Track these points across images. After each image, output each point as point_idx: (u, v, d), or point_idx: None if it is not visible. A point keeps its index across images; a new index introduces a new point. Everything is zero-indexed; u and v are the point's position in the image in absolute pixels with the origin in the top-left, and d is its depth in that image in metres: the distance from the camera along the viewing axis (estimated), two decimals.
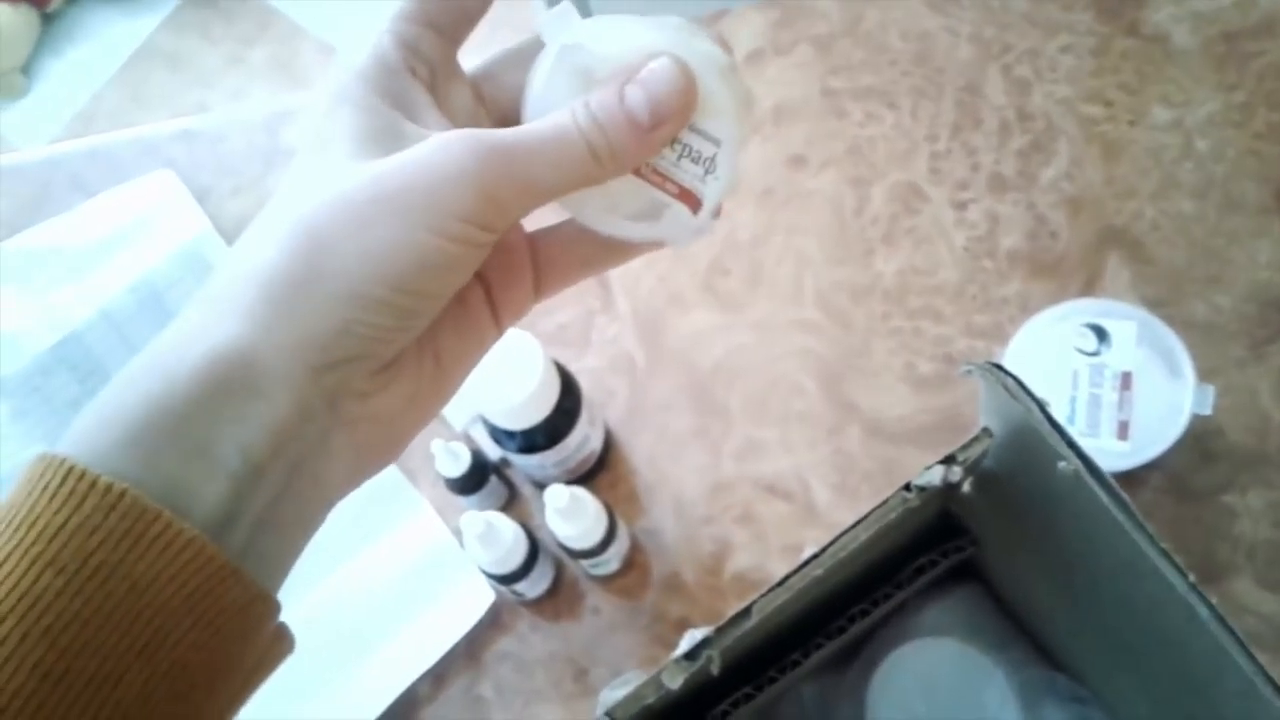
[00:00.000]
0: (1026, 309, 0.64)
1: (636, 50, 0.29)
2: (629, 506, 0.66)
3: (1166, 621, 0.37)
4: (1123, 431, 0.57)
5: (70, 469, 0.24)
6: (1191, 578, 0.35)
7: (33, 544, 0.24)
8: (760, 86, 0.74)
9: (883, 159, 0.70)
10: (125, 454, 0.25)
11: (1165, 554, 0.35)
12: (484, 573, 0.61)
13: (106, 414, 0.26)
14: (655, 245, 0.32)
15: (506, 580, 0.61)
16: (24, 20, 2.02)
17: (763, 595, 0.38)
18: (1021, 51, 0.71)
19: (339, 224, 0.27)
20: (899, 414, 0.64)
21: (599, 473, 0.66)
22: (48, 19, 2.08)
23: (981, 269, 0.67)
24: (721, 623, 0.38)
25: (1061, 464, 0.36)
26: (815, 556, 0.38)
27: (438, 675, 0.63)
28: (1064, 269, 0.66)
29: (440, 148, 0.27)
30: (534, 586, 0.63)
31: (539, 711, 0.62)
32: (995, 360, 0.61)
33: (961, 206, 0.68)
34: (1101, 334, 0.59)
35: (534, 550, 0.61)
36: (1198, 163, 0.67)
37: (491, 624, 0.64)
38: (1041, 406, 0.37)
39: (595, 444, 0.65)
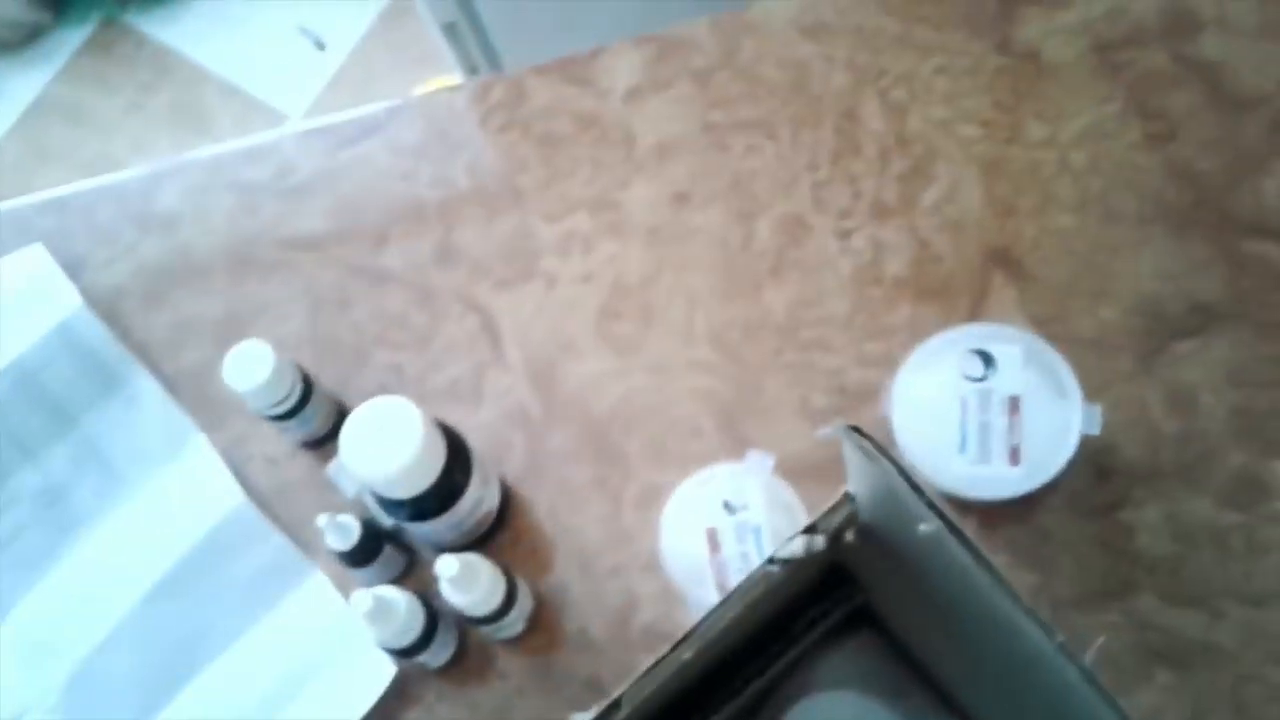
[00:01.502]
0: (915, 334, 0.63)
1: None
2: (532, 563, 0.64)
3: (1042, 676, 0.36)
4: (1014, 457, 0.57)
5: None
6: (1060, 638, 0.34)
7: None
8: (641, 123, 0.73)
9: (766, 191, 0.69)
10: None
11: (1031, 614, 0.34)
12: (383, 648, 0.59)
13: None
14: None
15: (407, 653, 0.59)
16: None
17: (631, 684, 0.37)
18: (896, 75, 0.70)
19: None
20: (796, 449, 0.63)
21: (499, 531, 0.65)
22: None
23: (869, 297, 0.66)
24: (592, 716, 0.37)
25: (922, 526, 0.36)
26: (683, 640, 0.37)
27: None
28: (950, 292, 0.65)
29: None
30: (436, 656, 0.61)
31: None
32: (886, 390, 0.61)
33: (846, 235, 0.67)
34: (988, 359, 0.59)
35: (433, 620, 0.59)
36: (1075, 177, 0.67)
37: (397, 696, 0.62)
38: (899, 469, 0.36)
39: (491, 503, 0.63)
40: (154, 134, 1.95)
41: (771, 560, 0.38)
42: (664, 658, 0.37)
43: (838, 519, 0.39)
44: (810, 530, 0.39)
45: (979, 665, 0.43)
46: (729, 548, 0.58)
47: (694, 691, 0.46)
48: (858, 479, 0.39)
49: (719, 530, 0.59)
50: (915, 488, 0.36)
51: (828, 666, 0.50)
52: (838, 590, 0.49)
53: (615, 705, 0.36)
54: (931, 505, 0.35)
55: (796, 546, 0.38)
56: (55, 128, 2.00)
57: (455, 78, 1.11)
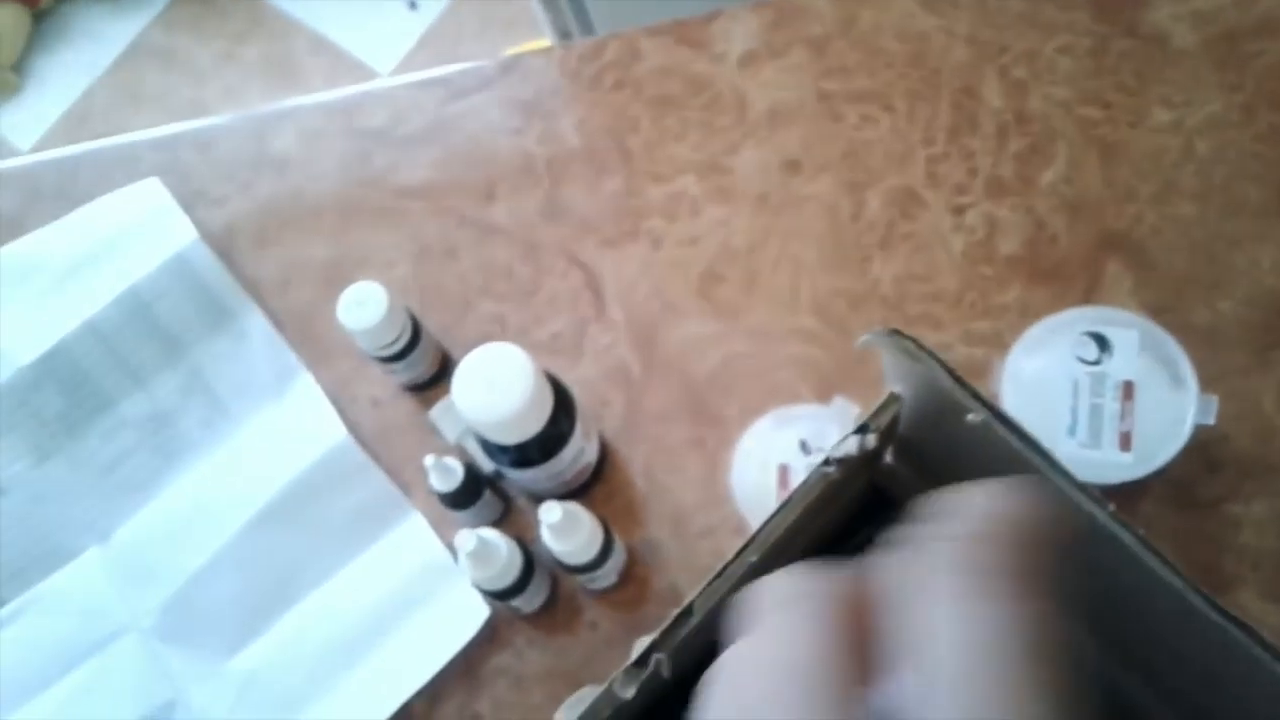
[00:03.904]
0: (1026, 315, 0.63)
1: None
2: (626, 519, 0.65)
3: (1099, 557, 0.36)
4: (1125, 442, 0.57)
5: None
6: (1112, 507, 0.34)
7: None
8: (754, 89, 0.73)
9: (879, 163, 0.69)
10: None
11: (1082, 488, 0.35)
12: (479, 589, 0.60)
13: None
14: None
15: (502, 596, 0.60)
16: (15, 19, 2.00)
17: (701, 589, 0.37)
18: (1018, 53, 0.69)
19: None
20: None
21: (595, 485, 0.66)
22: (39, 17, 2.07)
23: (980, 275, 0.66)
24: (665, 624, 0.37)
25: (970, 415, 0.36)
26: (749, 544, 0.38)
27: (433, 692, 0.62)
28: (1064, 274, 0.65)
29: None
30: (530, 601, 0.62)
31: None
32: (993, 369, 0.60)
33: (959, 211, 0.67)
34: (1103, 343, 0.58)
35: (529, 565, 0.60)
36: (1199, 165, 0.66)
37: (488, 639, 0.63)
38: (942, 363, 0.36)
39: (590, 456, 0.64)
40: (244, 83, 1.98)
41: (827, 461, 0.38)
42: (731, 562, 0.37)
43: (886, 417, 0.39)
44: (862, 430, 0.39)
45: None
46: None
47: None
48: (899, 385, 0.40)
49: (791, 468, 0.59)
50: (960, 380, 0.36)
51: None
52: (879, 515, 0.49)
53: (687, 612, 0.37)
54: (977, 395, 0.36)
55: (850, 445, 0.39)
56: (149, 73, 2.04)
57: (545, 41, 1.11)
